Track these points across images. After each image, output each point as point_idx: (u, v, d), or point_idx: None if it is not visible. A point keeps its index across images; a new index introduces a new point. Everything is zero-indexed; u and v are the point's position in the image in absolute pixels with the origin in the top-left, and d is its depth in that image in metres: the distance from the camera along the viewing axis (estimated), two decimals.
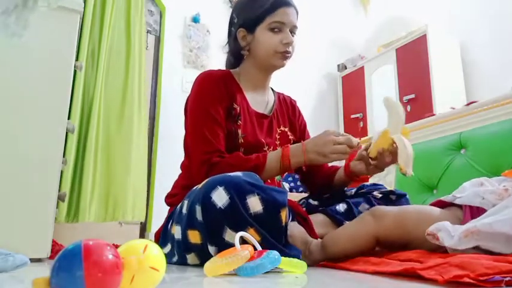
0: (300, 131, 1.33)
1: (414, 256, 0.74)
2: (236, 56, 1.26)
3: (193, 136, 1.12)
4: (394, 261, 0.72)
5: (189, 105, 1.17)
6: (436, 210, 0.89)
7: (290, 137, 1.28)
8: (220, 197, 0.81)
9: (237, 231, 0.77)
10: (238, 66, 1.27)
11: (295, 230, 0.94)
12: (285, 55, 1.17)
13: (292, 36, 1.18)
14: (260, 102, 1.25)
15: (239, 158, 1.05)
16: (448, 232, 0.73)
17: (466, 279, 0.51)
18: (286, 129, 1.28)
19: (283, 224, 0.84)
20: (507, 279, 0.50)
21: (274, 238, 0.81)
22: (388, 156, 1.03)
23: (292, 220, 0.98)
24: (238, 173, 0.87)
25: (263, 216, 0.81)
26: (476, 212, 0.82)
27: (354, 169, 1.17)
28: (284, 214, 0.84)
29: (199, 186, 0.89)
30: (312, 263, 0.91)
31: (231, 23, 1.26)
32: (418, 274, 0.58)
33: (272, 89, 1.35)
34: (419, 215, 0.86)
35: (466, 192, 0.87)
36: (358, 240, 0.88)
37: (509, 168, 0.92)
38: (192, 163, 1.12)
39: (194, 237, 0.88)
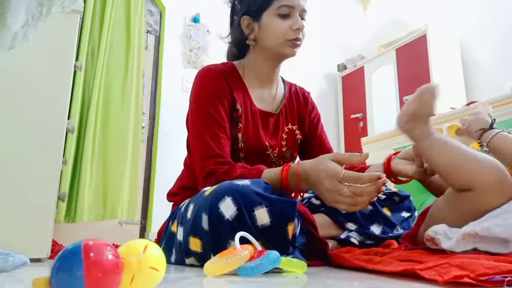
0: (310, 126, 1.24)
1: (414, 256, 0.74)
2: (240, 46, 1.17)
3: (194, 139, 1.07)
4: (395, 261, 0.72)
5: (190, 104, 1.11)
6: None
7: (298, 136, 1.20)
8: (228, 208, 0.78)
9: (242, 243, 0.75)
10: (242, 57, 1.19)
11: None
12: (295, 43, 1.07)
13: (302, 20, 1.08)
14: (266, 98, 1.17)
15: (230, 177, 0.95)
16: (446, 235, 0.73)
17: (466, 280, 0.51)
18: (295, 128, 1.20)
19: (290, 237, 0.82)
20: (507, 279, 0.50)
21: (280, 251, 0.80)
22: None
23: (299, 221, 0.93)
24: (247, 182, 0.83)
25: (270, 229, 0.79)
26: None
27: (395, 168, 1.01)
28: (291, 227, 0.82)
29: (207, 192, 0.85)
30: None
31: (234, 11, 1.17)
32: (418, 274, 0.58)
33: (283, 80, 1.25)
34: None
35: None
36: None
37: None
38: (193, 167, 1.08)
39: (195, 245, 0.85)
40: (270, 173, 0.94)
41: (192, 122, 1.08)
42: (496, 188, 0.74)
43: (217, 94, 1.07)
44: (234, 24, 1.16)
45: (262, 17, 1.09)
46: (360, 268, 0.75)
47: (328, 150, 1.26)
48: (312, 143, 1.26)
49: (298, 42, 1.09)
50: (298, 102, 1.23)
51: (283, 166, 0.93)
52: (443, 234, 0.74)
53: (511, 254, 0.69)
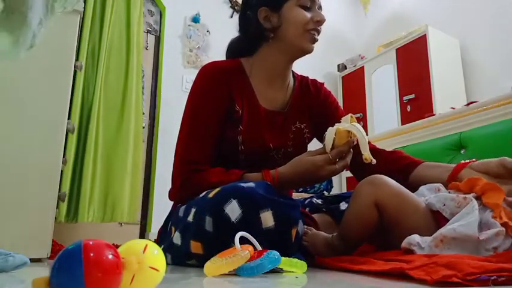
0: (328, 114, 1.17)
1: (400, 256, 0.74)
2: (252, 42, 1.12)
3: (179, 140, 1.06)
4: (379, 261, 0.73)
5: (187, 101, 1.08)
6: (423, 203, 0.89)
7: (306, 135, 1.15)
8: (233, 211, 0.79)
9: (242, 243, 0.75)
10: (249, 54, 1.13)
11: (314, 236, 0.93)
12: (314, 36, 1.07)
13: None
14: (274, 97, 1.12)
15: (206, 182, 0.95)
16: (419, 245, 0.75)
17: (454, 279, 0.51)
18: (303, 126, 1.14)
19: (293, 240, 0.82)
20: (493, 278, 0.51)
21: (283, 254, 0.80)
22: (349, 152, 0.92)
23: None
24: (251, 184, 0.83)
25: (274, 232, 0.80)
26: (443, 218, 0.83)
27: (463, 177, 0.88)
28: (295, 231, 0.83)
29: (211, 195, 0.85)
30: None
31: (247, 5, 1.12)
32: (407, 274, 0.58)
33: (294, 75, 1.20)
34: (414, 197, 0.87)
35: (427, 197, 0.87)
36: (361, 212, 0.86)
37: None
38: (173, 167, 1.05)
39: (196, 248, 0.85)
40: (251, 177, 0.95)
41: (182, 124, 1.07)
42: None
43: (212, 98, 1.04)
44: (248, 18, 1.11)
45: (283, 7, 1.06)
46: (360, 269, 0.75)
47: None
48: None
49: (316, 37, 1.08)
50: (309, 97, 1.18)
51: (263, 171, 0.96)
52: (417, 245, 0.75)
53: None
